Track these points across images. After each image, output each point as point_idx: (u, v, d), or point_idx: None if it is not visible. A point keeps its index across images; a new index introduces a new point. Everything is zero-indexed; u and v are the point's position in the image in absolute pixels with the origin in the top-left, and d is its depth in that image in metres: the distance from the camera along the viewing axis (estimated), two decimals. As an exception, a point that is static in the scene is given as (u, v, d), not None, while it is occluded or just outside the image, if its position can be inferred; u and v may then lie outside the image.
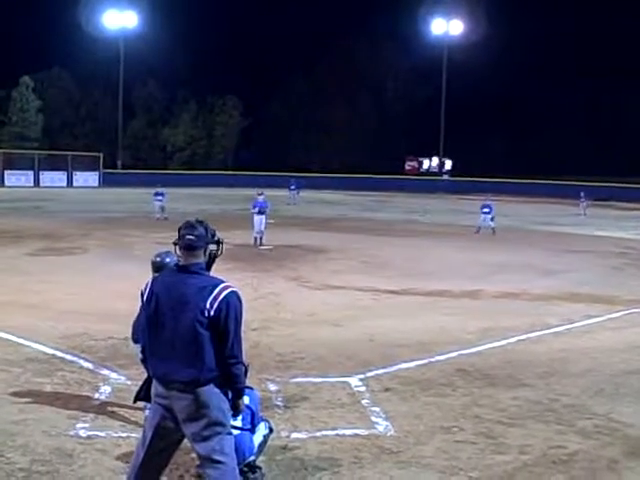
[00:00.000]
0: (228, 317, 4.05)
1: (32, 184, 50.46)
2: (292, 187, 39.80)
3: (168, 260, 5.83)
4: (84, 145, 63.18)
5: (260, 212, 20.00)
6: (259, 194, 20.73)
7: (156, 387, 4.20)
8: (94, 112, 69.73)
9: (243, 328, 4.22)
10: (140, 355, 4.40)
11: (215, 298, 4.05)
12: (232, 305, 4.08)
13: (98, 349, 8.43)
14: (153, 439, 4.18)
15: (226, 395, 4.17)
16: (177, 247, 4.27)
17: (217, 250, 4.37)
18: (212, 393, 4.09)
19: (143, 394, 4.36)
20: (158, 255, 5.92)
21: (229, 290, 4.11)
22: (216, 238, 4.35)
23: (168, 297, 4.12)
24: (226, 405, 4.18)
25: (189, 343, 4.05)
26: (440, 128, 64.82)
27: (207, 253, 4.25)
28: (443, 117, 64.42)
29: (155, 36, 60.61)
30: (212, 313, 4.03)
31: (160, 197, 27.63)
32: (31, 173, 51.51)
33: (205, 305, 4.03)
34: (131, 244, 19.27)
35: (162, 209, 27.16)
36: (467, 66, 62.65)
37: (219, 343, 4.06)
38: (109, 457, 5.39)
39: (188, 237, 4.17)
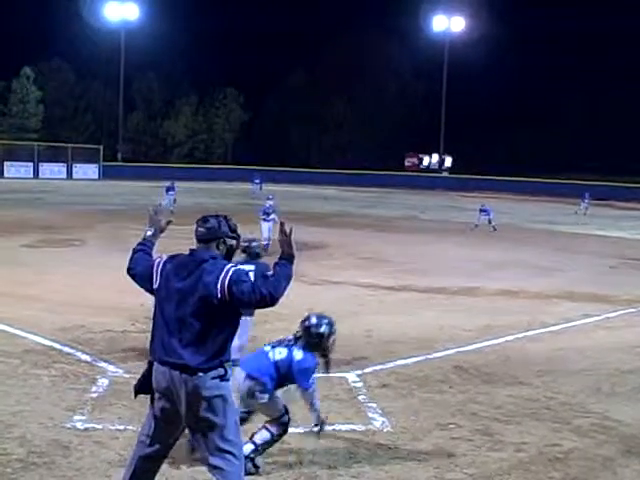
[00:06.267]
0: (238, 282, 4.01)
1: (32, 176, 50.39)
2: (256, 181, 40.05)
3: (255, 244, 6.37)
4: (84, 137, 63.20)
5: (267, 219, 19.41)
6: (268, 198, 20.26)
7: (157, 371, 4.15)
8: (94, 104, 69.68)
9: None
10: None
11: (224, 277, 4.01)
12: (239, 273, 4.08)
13: (96, 341, 8.43)
14: (158, 424, 4.11)
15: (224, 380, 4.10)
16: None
17: (236, 244, 4.40)
18: (211, 381, 4.02)
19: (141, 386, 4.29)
20: (245, 240, 6.38)
21: (234, 267, 4.12)
22: (234, 233, 4.35)
23: (176, 277, 4.10)
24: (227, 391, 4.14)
25: (193, 326, 4.00)
26: (440, 125, 64.80)
27: (225, 246, 4.26)
28: (444, 114, 64.40)
29: (156, 28, 60.63)
30: (220, 295, 3.99)
31: (172, 192, 28.51)
32: (31, 165, 51.44)
33: (216, 286, 3.99)
34: (130, 237, 19.21)
35: (174, 202, 27.77)
36: (468, 63, 62.65)
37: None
38: (106, 449, 5.40)
39: (199, 229, 4.23)
